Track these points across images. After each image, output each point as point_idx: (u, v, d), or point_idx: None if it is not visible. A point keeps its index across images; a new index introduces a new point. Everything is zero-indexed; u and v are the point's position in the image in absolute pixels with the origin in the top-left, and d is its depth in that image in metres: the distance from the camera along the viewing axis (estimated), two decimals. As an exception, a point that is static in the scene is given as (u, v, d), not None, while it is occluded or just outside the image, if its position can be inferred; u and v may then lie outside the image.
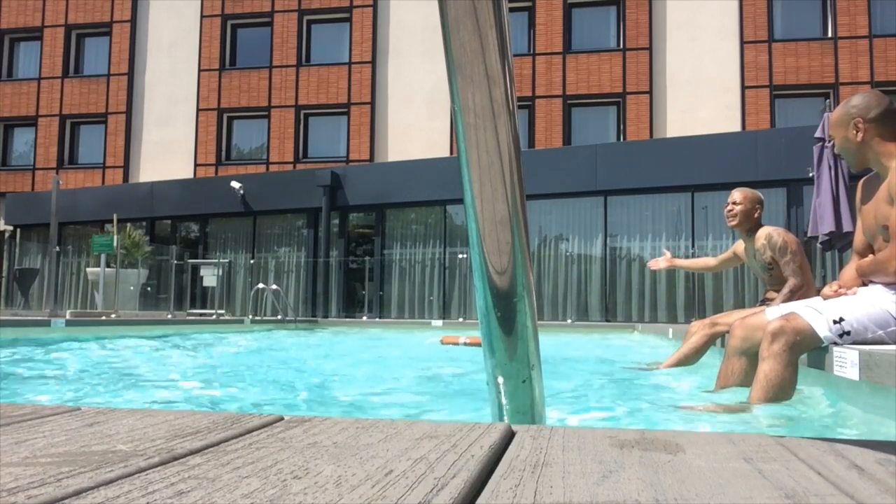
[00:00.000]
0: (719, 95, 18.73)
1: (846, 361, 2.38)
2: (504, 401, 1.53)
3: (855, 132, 2.73)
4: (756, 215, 4.56)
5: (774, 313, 2.83)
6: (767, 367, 2.55)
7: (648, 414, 2.66)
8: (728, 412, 2.60)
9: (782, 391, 2.55)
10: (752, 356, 2.87)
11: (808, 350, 2.60)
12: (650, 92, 19.05)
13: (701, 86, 18.85)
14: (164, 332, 9.28)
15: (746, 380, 2.86)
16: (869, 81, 17.99)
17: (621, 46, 19.54)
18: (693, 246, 14.22)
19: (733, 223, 4.57)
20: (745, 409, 2.59)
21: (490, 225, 1.43)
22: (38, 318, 9.50)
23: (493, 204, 1.42)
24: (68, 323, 8.85)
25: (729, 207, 4.58)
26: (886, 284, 2.58)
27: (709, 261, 5.60)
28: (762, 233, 4.53)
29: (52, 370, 4.46)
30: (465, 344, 7.39)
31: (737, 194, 4.59)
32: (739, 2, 18.92)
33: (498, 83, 1.35)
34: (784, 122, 18.12)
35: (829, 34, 18.67)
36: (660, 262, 5.42)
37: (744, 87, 18.65)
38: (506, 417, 1.53)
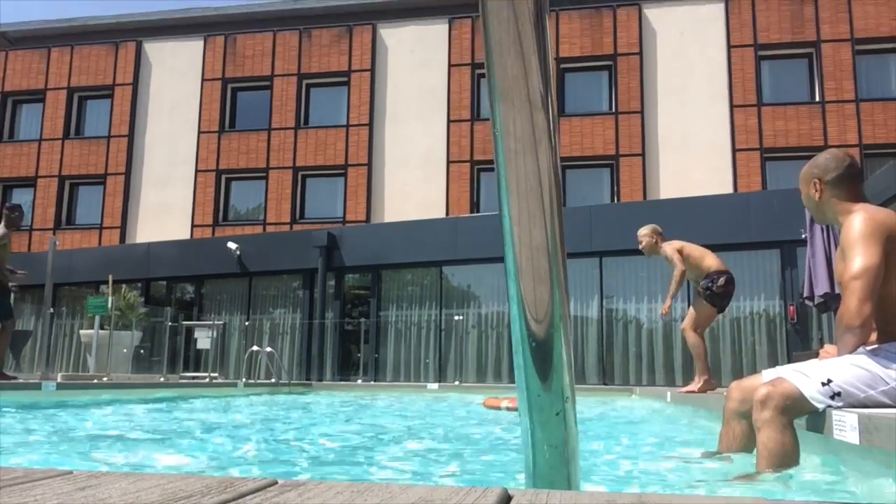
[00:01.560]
0: (711, 158, 19.02)
1: (845, 425, 2.36)
2: (536, 434, 1.49)
3: (814, 191, 2.90)
4: (655, 242, 7.13)
5: (770, 375, 2.82)
6: (764, 437, 2.52)
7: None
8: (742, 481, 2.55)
9: (786, 457, 2.50)
10: (751, 418, 2.84)
11: (799, 414, 2.57)
12: (643, 154, 19.34)
13: (692, 148, 19.16)
14: (158, 396, 9.18)
15: (749, 443, 2.82)
16: (857, 144, 18.31)
17: (613, 110, 19.91)
18: (689, 307, 14.18)
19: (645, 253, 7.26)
20: (753, 476, 2.53)
21: (527, 252, 1.41)
22: (30, 381, 9.39)
23: (530, 231, 1.40)
24: (59, 386, 8.76)
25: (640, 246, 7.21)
26: (869, 349, 2.58)
27: (675, 278, 7.04)
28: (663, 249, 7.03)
29: (43, 434, 4.40)
30: (507, 409, 6.97)
31: (641, 233, 7.28)
32: (728, 66, 19.38)
33: (539, 108, 1.36)
34: (775, 183, 18.36)
35: (817, 98, 19.09)
36: (665, 309, 7.22)
37: (734, 150, 18.95)
38: (536, 455, 1.48)
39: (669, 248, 6.90)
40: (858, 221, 2.66)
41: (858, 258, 2.55)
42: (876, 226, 2.61)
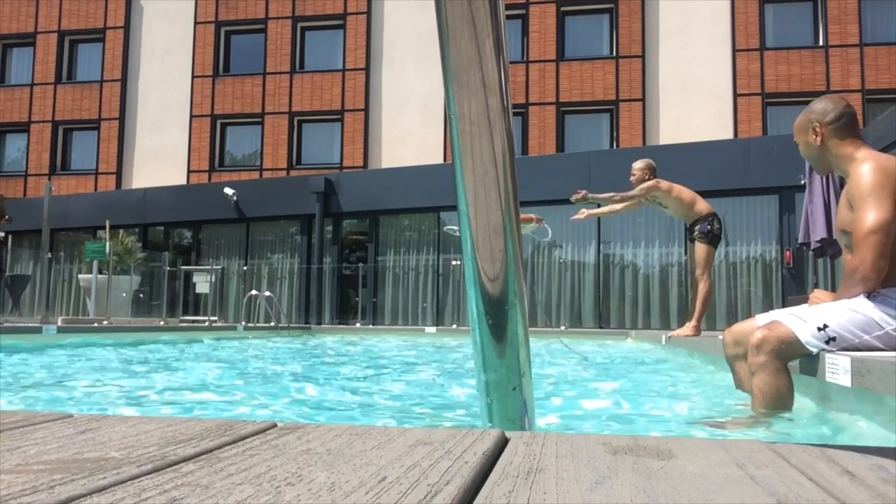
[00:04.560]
0: (711, 103, 18.82)
1: (838, 368, 2.39)
2: (494, 407, 1.53)
3: (814, 136, 2.85)
4: (647, 177, 6.94)
5: (764, 319, 2.84)
6: (759, 380, 2.56)
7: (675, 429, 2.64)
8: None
9: (779, 400, 2.54)
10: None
11: (794, 357, 2.60)
12: (643, 99, 19.12)
13: (693, 93, 18.94)
14: (157, 339, 9.25)
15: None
16: (860, 89, 18.11)
17: (614, 54, 19.62)
18: (686, 253, 14.25)
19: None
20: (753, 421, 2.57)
21: (483, 232, 1.43)
22: (30, 324, 9.46)
23: (486, 212, 1.42)
24: (60, 330, 8.81)
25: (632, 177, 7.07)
26: (867, 294, 2.59)
27: (613, 207, 7.45)
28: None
29: (43, 377, 4.44)
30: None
31: (635, 165, 7.07)
32: (731, 10, 19.03)
33: (494, 91, 1.35)
34: (776, 129, 18.22)
35: (821, 42, 18.80)
36: (579, 216, 7.47)
37: (736, 95, 18.74)
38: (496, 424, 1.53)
39: (653, 184, 6.88)
40: (868, 170, 2.62)
41: (874, 211, 2.53)
42: (886, 176, 2.58)
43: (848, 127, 2.81)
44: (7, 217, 9.75)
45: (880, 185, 2.56)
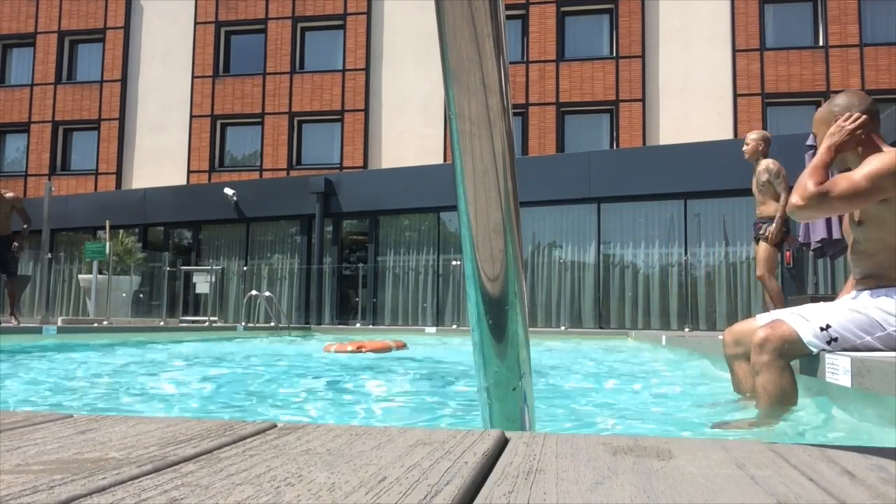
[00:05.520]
0: (711, 103, 18.82)
1: (838, 368, 2.39)
2: (494, 408, 1.53)
3: None
4: (761, 148, 6.41)
5: (764, 319, 2.84)
6: (763, 380, 2.56)
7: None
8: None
9: (784, 398, 2.54)
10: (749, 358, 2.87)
11: (795, 356, 2.60)
12: (643, 100, 19.12)
13: (693, 94, 18.94)
14: (157, 340, 9.26)
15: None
16: (860, 89, 18.09)
17: (614, 54, 19.62)
18: (686, 253, 14.26)
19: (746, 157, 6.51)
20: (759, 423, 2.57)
21: (483, 232, 1.43)
22: (30, 325, 9.46)
23: (486, 212, 1.42)
24: (60, 330, 8.82)
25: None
26: (870, 291, 2.59)
27: (783, 205, 6.30)
28: (763, 163, 6.35)
29: (43, 377, 4.44)
30: (352, 352, 6.99)
31: (749, 136, 6.55)
32: (731, 10, 19.03)
33: (494, 91, 1.35)
34: (776, 129, 18.19)
35: (821, 42, 18.81)
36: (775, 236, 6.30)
37: (736, 95, 18.74)
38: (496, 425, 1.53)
39: (775, 165, 6.24)
40: (879, 157, 2.58)
41: (864, 181, 2.51)
42: (890, 168, 2.54)
43: (872, 122, 2.78)
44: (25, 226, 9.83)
45: (885, 169, 2.53)
